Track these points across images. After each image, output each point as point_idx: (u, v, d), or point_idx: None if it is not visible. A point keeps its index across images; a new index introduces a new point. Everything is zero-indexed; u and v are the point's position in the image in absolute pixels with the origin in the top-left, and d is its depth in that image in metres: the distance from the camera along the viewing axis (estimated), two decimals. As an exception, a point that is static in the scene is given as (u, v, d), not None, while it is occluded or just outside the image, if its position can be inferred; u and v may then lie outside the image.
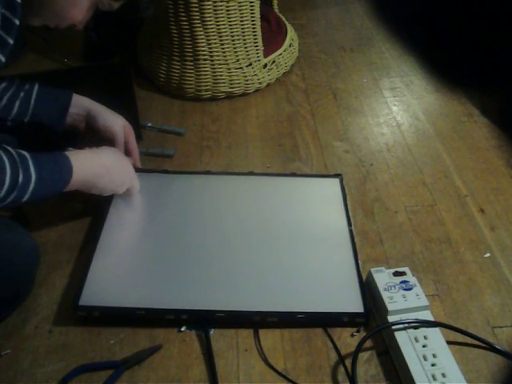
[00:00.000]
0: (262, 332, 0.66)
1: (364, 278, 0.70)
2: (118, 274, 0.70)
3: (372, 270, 0.69)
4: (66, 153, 0.65)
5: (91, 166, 0.69)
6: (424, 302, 0.64)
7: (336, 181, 0.86)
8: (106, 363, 0.62)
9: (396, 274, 0.68)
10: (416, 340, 0.61)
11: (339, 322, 0.66)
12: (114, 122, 0.79)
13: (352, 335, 0.66)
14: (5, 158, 0.57)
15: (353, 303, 0.66)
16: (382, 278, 0.68)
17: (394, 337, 0.62)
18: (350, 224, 0.78)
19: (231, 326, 0.66)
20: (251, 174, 0.88)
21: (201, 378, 0.61)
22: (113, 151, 0.75)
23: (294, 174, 0.88)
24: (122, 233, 0.76)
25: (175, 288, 0.68)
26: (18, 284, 0.66)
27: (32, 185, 0.59)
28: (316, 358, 0.63)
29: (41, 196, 0.62)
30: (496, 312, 0.69)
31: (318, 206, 0.81)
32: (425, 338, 0.61)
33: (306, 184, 0.86)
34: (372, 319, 0.67)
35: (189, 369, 0.62)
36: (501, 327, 0.67)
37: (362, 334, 0.65)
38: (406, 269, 0.69)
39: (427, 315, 0.64)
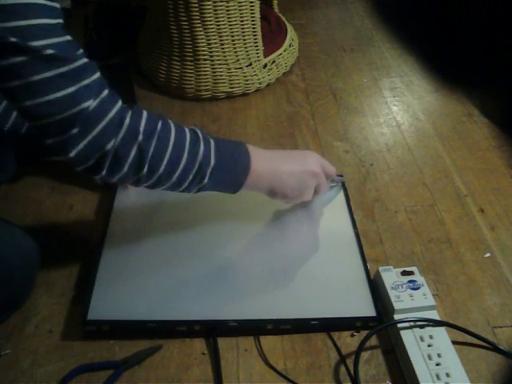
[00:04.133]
0: (261, 332, 0.66)
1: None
2: (125, 285, 0.68)
3: (380, 268, 0.69)
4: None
5: (272, 155, 0.67)
6: (431, 301, 0.65)
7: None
8: (106, 363, 0.62)
9: (404, 273, 0.68)
10: (421, 339, 0.61)
11: (352, 327, 0.66)
12: None
13: (352, 335, 0.66)
14: (186, 130, 0.58)
15: (364, 307, 0.66)
16: (390, 276, 0.68)
17: (399, 335, 0.62)
18: (355, 227, 0.77)
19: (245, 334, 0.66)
20: None
21: (201, 378, 0.61)
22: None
23: None
24: (125, 242, 0.73)
25: (185, 298, 0.66)
26: (18, 286, 0.65)
27: (213, 156, 0.58)
28: (316, 358, 0.63)
29: (223, 176, 0.60)
30: (496, 312, 0.69)
31: (321, 208, 0.81)
32: (430, 337, 0.61)
33: None
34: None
35: (189, 369, 0.62)
36: (501, 327, 0.67)
37: (362, 334, 0.65)
38: (414, 268, 0.69)
39: (434, 315, 0.64)
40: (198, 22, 1.01)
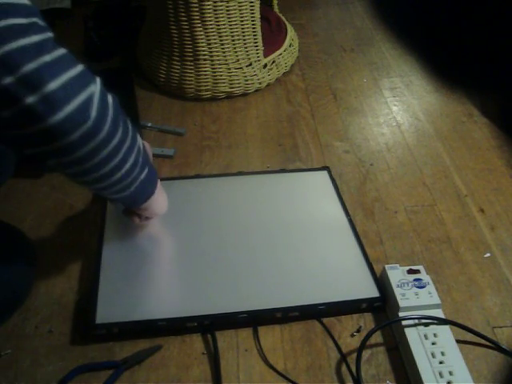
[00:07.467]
0: (261, 332, 0.66)
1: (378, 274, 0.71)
2: (129, 286, 0.67)
3: (386, 266, 0.69)
4: None
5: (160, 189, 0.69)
6: (436, 300, 0.65)
7: (324, 173, 0.87)
8: (106, 363, 0.62)
9: (410, 271, 0.69)
10: (426, 337, 0.61)
11: (358, 310, 0.67)
12: None
13: (352, 335, 0.66)
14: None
15: (367, 289, 0.68)
16: (396, 274, 0.68)
17: (403, 333, 0.62)
18: (347, 214, 0.79)
19: (251, 325, 0.66)
20: (240, 173, 0.88)
21: (201, 378, 0.61)
22: None
23: (282, 170, 0.89)
24: (124, 242, 0.73)
25: (191, 295, 0.66)
26: (16, 285, 0.65)
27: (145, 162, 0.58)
28: (316, 357, 0.63)
29: (147, 181, 0.60)
30: (496, 312, 0.69)
31: (313, 199, 0.82)
32: (434, 335, 0.61)
33: (296, 179, 0.87)
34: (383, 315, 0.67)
35: (189, 369, 0.62)
36: (501, 327, 0.67)
37: (363, 334, 0.65)
38: (420, 267, 0.69)
39: (439, 313, 0.64)
40: (198, 22, 1.01)
